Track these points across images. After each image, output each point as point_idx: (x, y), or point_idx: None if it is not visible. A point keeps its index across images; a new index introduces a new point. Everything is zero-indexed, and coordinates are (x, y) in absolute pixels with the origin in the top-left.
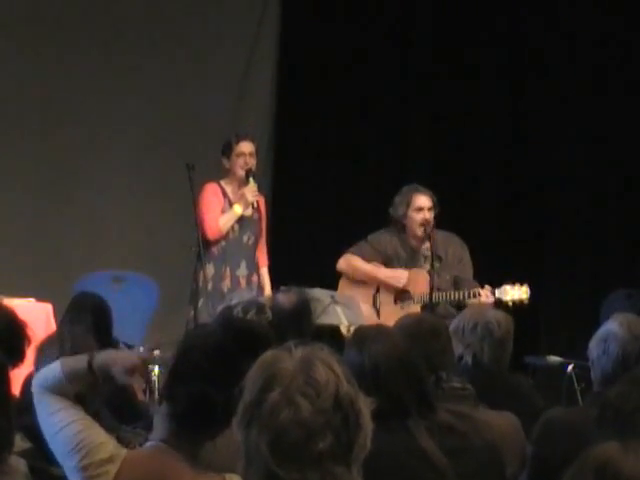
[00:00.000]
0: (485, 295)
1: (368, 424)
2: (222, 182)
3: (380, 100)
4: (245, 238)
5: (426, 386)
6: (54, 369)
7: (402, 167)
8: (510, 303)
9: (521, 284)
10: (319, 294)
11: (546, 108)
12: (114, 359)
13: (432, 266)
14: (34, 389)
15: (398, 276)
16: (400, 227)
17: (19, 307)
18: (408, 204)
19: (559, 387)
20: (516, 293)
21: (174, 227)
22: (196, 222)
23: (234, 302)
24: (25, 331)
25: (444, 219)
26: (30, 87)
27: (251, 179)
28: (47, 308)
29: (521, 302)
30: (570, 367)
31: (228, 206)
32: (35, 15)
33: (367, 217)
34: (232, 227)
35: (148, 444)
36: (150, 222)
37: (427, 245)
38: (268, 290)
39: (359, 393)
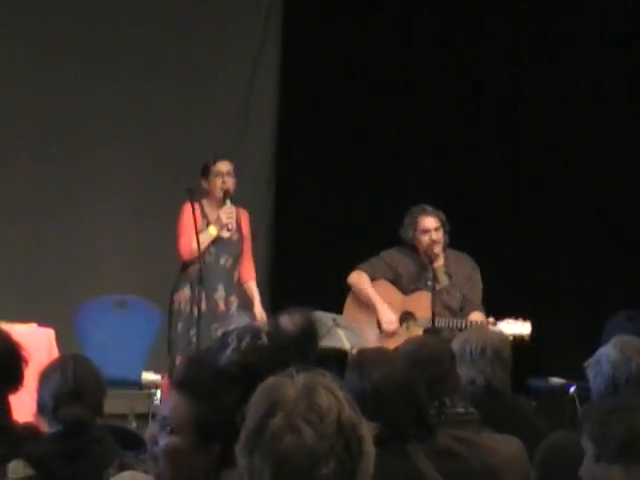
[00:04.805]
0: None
1: (371, 450)
2: (203, 201)
3: (382, 117)
4: (222, 260)
5: (426, 411)
6: None
7: (405, 184)
8: (511, 338)
9: (524, 319)
10: (321, 317)
11: (549, 134)
12: None
13: (434, 288)
14: None
15: (391, 320)
16: (411, 247)
17: (21, 333)
18: (415, 226)
19: (562, 409)
20: (517, 328)
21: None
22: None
23: (231, 328)
24: (20, 353)
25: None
26: (32, 110)
27: (227, 201)
28: (49, 333)
29: (522, 338)
30: (572, 389)
31: (205, 226)
32: (36, 38)
33: (370, 235)
34: (208, 250)
35: None
36: (153, 247)
37: (438, 264)
38: (257, 304)
39: (362, 419)
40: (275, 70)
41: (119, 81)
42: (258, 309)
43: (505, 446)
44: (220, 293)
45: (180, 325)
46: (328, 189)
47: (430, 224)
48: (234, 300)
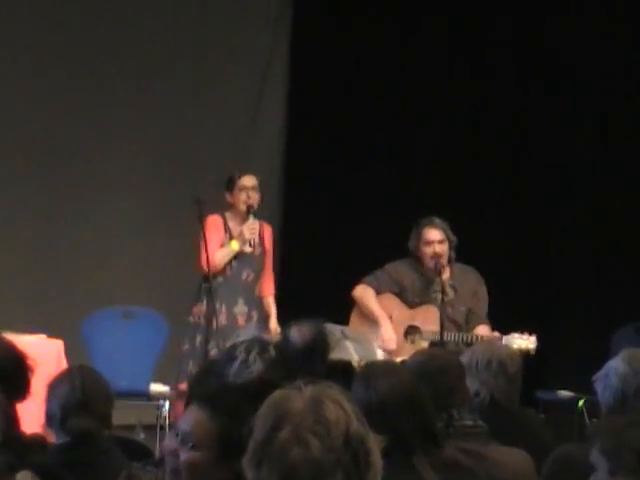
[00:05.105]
0: None
1: (378, 462)
2: (227, 214)
3: (390, 128)
4: (244, 275)
5: (432, 423)
6: None
7: (412, 197)
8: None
9: (530, 333)
10: (329, 329)
11: (556, 151)
12: None
13: (442, 300)
14: None
15: (391, 339)
16: (416, 259)
17: (30, 344)
18: (419, 238)
19: (570, 422)
20: (523, 343)
21: (184, 262)
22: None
23: (239, 340)
24: (26, 362)
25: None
26: (35, 117)
27: (251, 216)
28: (58, 345)
29: (527, 352)
30: (581, 402)
31: (228, 240)
32: (36, 40)
33: (376, 248)
34: (230, 264)
35: None
36: (160, 258)
37: (444, 277)
38: (273, 320)
39: (369, 431)
40: (283, 79)
41: (124, 86)
42: (273, 324)
43: (512, 459)
44: (240, 308)
45: (198, 339)
46: (335, 200)
47: (434, 236)
48: (254, 315)
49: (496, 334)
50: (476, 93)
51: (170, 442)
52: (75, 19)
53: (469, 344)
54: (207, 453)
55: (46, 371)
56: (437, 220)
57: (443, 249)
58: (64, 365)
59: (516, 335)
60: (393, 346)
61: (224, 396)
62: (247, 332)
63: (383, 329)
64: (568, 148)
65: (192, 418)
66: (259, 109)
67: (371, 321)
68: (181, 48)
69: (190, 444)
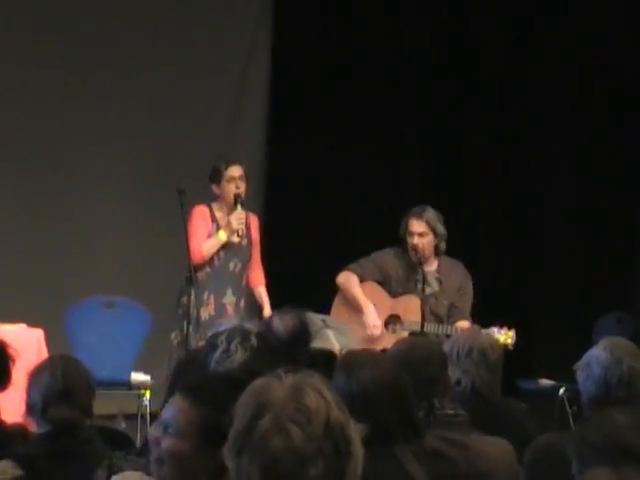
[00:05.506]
0: None
1: (359, 451)
2: (213, 205)
3: (375, 118)
4: (232, 265)
5: (413, 412)
6: None
7: (397, 187)
8: None
9: (508, 328)
10: (311, 318)
11: (539, 155)
12: None
13: (423, 290)
14: None
15: (376, 325)
16: (404, 248)
17: (10, 333)
18: (405, 227)
19: (551, 411)
20: (502, 337)
21: (166, 252)
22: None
23: (221, 329)
24: (6, 351)
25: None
26: (24, 111)
27: (238, 206)
28: (38, 334)
29: (505, 347)
30: (562, 390)
31: (215, 230)
32: (26, 41)
33: (361, 238)
34: (218, 254)
35: None
36: (142, 247)
37: (430, 269)
38: (267, 308)
39: (350, 420)
40: (265, 67)
41: (110, 82)
42: (268, 314)
43: (494, 448)
44: (229, 298)
45: (186, 329)
46: (319, 189)
47: (415, 228)
48: (243, 305)
49: (475, 327)
50: (460, 81)
51: (154, 431)
52: (57, 14)
53: (449, 336)
54: (189, 441)
55: (26, 360)
56: (427, 211)
57: (423, 242)
58: (44, 354)
59: (495, 329)
60: (378, 331)
61: (205, 385)
62: (229, 321)
63: (367, 315)
64: (552, 148)
65: (174, 407)
66: (242, 98)
67: (354, 307)
68: (163, 39)
69: (172, 432)
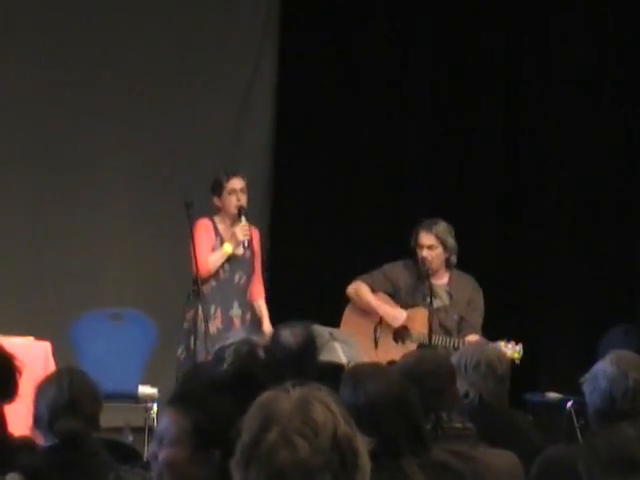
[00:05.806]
0: None
1: (366, 464)
2: (215, 218)
3: (381, 129)
4: (237, 278)
5: (420, 425)
6: None
7: (402, 198)
8: None
9: (516, 342)
10: (318, 330)
11: (546, 158)
12: None
13: (430, 303)
14: None
15: (396, 316)
16: (415, 259)
17: (18, 346)
18: (415, 239)
19: (559, 424)
20: (509, 351)
21: (173, 265)
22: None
23: (228, 342)
24: (13, 363)
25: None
26: (22, 120)
27: (242, 217)
28: (46, 347)
29: (512, 361)
30: (569, 403)
31: (219, 243)
32: (36, 46)
33: (366, 251)
34: (223, 267)
35: None
36: (149, 259)
37: (441, 282)
38: (267, 322)
39: (357, 433)
40: (271, 77)
41: (116, 96)
42: (267, 327)
43: (501, 460)
44: (236, 311)
45: (193, 344)
46: (325, 202)
47: (424, 241)
48: (249, 318)
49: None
50: (468, 88)
51: (151, 447)
52: (63, 22)
53: (457, 349)
54: (184, 448)
55: (34, 373)
56: (437, 224)
57: (432, 255)
58: (52, 367)
59: (502, 343)
60: (401, 320)
61: (190, 391)
62: (236, 334)
63: (384, 312)
64: (556, 154)
65: (165, 419)
66: (247, 112)
67: (366, 314)
68: (169, 53)
69: (166, 443)
